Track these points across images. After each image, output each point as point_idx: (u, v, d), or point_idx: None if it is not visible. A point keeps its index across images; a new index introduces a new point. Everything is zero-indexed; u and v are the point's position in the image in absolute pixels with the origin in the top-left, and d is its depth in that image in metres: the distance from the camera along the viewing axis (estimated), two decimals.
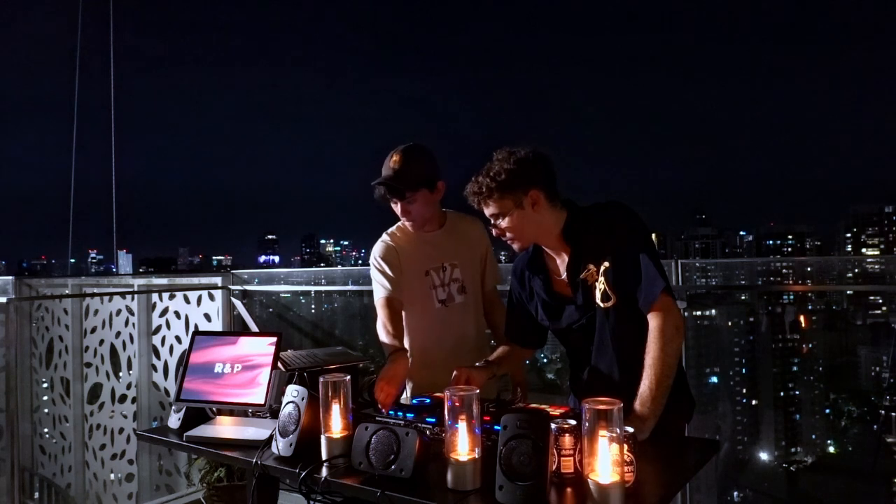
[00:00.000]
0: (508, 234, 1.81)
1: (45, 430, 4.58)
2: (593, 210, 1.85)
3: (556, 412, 1.68)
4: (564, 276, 1.83)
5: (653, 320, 1.69)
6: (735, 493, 3.79)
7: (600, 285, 1.76)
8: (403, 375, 1.93)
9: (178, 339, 4.01)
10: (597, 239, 1.77)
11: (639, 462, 1.39)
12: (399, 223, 2.28)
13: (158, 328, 4.11)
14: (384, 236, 2.26)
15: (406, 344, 2.23)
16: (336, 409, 1.61)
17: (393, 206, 2.19)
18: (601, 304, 1.77)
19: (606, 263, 1.75)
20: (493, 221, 1.81)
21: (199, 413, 1.98)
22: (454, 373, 1.90)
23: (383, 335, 2.07)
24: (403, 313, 2.23)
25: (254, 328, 2.32)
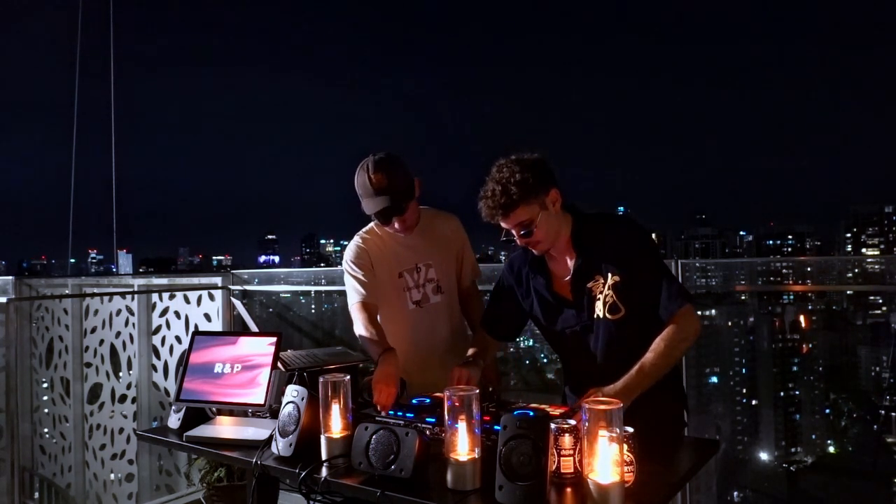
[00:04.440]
0: (537, 239, 1.77)
1: (45, 430, 4.58)
2: (601, 220, 1.85)
3: (556, 412, 1.68)
4: (569, 278, 1.83)
5: (672, 323, 1.72)
6: (735, 493, 3.79)
7: (607, 298, 1.77)
8: (398, 374, 1.92)
9: (178, 339, 4.01)
10: (606, 251, 1.79)
11: (639, 462, 1.39)
12: (371, 225, 2.24)
13: (158, 328, 4.11)
14: (356, 238, 2.23)
15: None
16: (336, 409, 1.61)
17: (384, 226, 2.15)
18: (609, 316, 1.78)
19: (616, 277, 1.77)
20: (516, 232, 1.76)
21: (199, 413, 1.98)
22: (452, 372, 1.90)
23: (367, 336, 2.04)
24: (378, 315, 2.21)
25: (254, 328, 2.31)
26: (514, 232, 1.77)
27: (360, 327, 2.08)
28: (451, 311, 2.29)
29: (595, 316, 1.81)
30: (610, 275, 1.78)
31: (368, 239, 2.22)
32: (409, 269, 2.22)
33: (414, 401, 1.89)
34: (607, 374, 1.70)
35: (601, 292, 1.79)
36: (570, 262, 1.83)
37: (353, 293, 2.14)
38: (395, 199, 2.04)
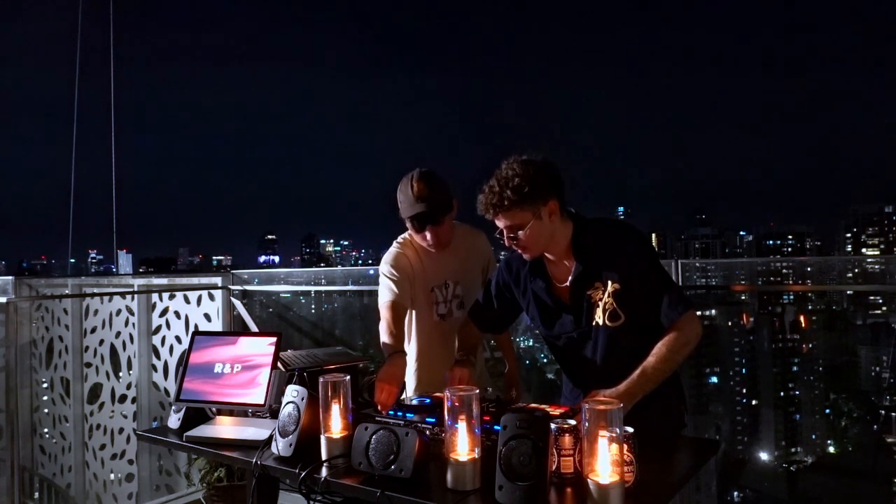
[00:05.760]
0: (523, 244, 1.79)
1: (45, 430, 4.58)
2: (602, 227, 1.85)
3: (556, 412, 1.68)
4: (568, 284, 1.83)
5: (675, 328, 1.73)
6: (735, 493, 3.79)
7: (607, 305, 1.78)
8: (402, 376, 1.96)
9: (178, 339, 4.01)
10: (607, 258, 1.79)
11: (639, 462, 1.39)
12: (406, 236, 2.31)
13: (158, 328, 4.11)
14: (396, 246, 2.30)
15: (411, 346, 2.31)
16: (336, 409, 1.61)
17: (417, 233, 2.21)
18: (609, 323, 1.79)
19: (617, 285, 1.77)
20: (506, 233, 1.79)
21: (199, 413, 1.98)
22: (448, 373, 1.92)
23: (385, 336, 2.10)
24: (413, 316, 2.30)
25: (254, 328, 2.32)
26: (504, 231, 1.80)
27: (382, 325, 2.14)
28: None
29: (594, 323, 1.81)
30: (610, 282, 1.78)
31: (407, 247, 2.30)
32: (438, 284, 2.30)
33: (414, 401, 1.89)
34: (606, 380, 1.70)
35: (601, 299, 1.79)
36: (570, 268, 1.84)
37: (386, 292, 2.20)
38: (432, 208, 2.13)
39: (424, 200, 2.12)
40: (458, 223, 2.34)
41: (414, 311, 2.31)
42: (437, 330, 2.31)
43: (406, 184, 2.16)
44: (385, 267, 2.25)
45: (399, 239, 2.33)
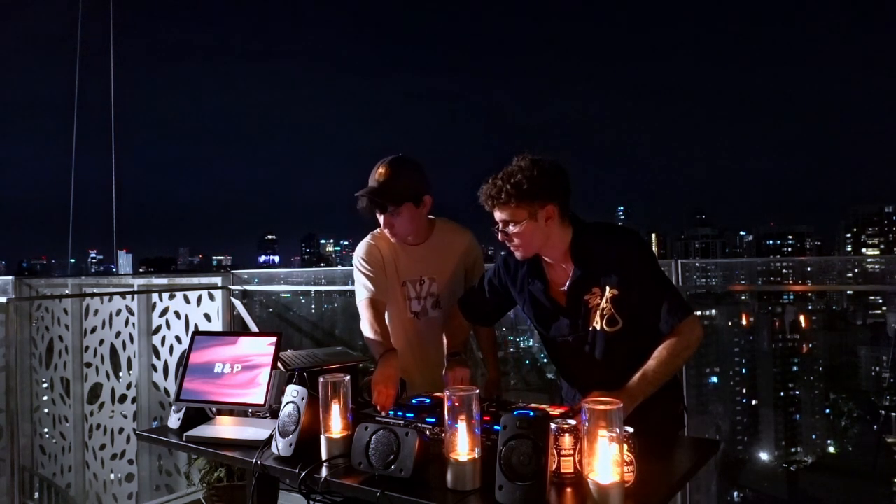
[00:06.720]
0: (516, 241, 1.80)
1: (45, 430, 4.58)
2: (602, 233, 1.85)
3: (556, 412, 1.68)
4: (565, 288, 1.84)
5: (675, 332, 1.73)
6: (735, 493, 3.79)
7: (605, 311, 1.78)
8: (397, 375, 1.92)
9: (178, 339, 4.01)
10: (606, 264, 1.79)
11: (639, 462, 1.39)
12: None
13: (158, 328, 4.11)
14: (369, 237, 2.25)
15: None
16: (336, 409, 1.61)
17: (378, 216, 2.16)
18: (607, 329, 1.79)
19: (615, 290, 1.77)
20: (500, 227, 1.80)
21: (199, 413, 1.98)
22: (448, 373, 1.93)
23: (371, 335, 2.06)
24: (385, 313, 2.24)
25: (254, 328, 2.32)
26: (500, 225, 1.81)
27: (364, 324, 2.10)
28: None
29: (591, 327, 1.82)
30: (608, 288, 1.78)
31: (380, 240, 2.24)
32: (412, 279, 2.24)
33: (414, 401, 1.89)
34: (602, 384, 1.70)
35: (598, 305, 1.79)
36: (568, 272, 1.84)
37: (362, 289, 2.15)
38: (380, 195, 2.06)
39: (378, 185, 2.05)
40: (442, 219, 2.28)
41: (387, 307, 2.23)
42: (412, 328, 2.24)
43: (376, 166, 2.10)
44: (356, 260, 2.20)
45: (375, 231, 2.26)
